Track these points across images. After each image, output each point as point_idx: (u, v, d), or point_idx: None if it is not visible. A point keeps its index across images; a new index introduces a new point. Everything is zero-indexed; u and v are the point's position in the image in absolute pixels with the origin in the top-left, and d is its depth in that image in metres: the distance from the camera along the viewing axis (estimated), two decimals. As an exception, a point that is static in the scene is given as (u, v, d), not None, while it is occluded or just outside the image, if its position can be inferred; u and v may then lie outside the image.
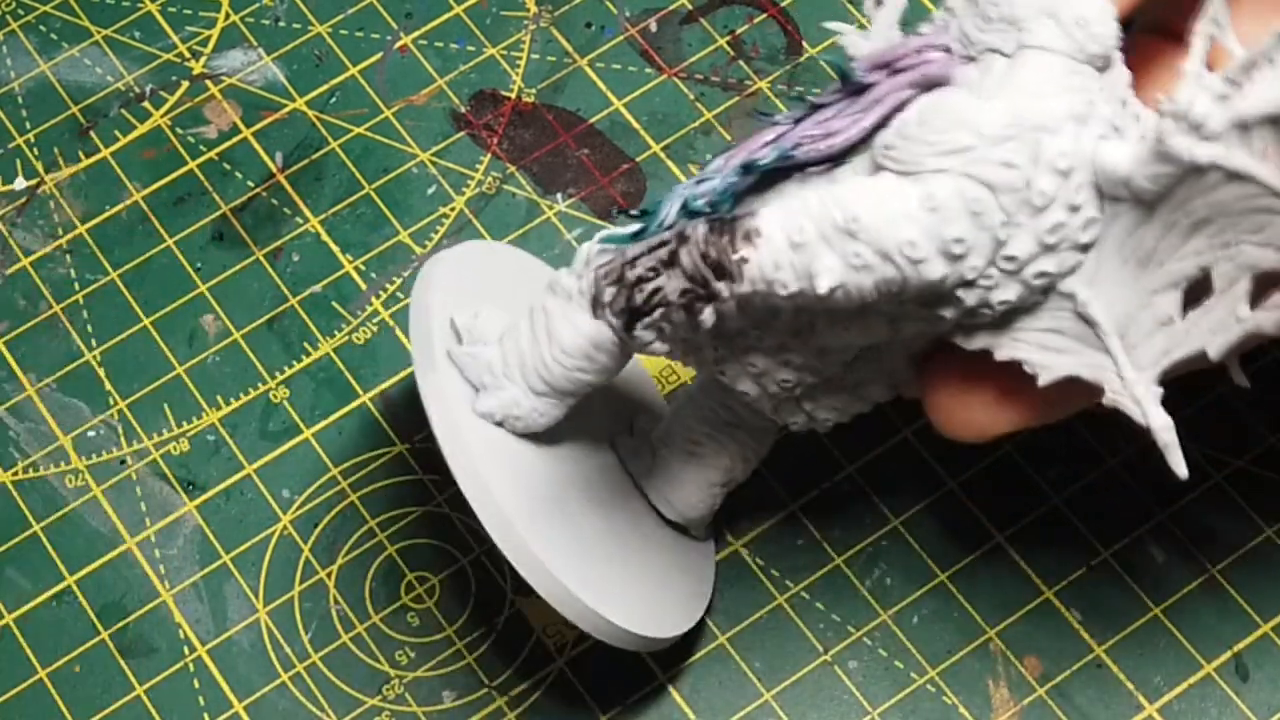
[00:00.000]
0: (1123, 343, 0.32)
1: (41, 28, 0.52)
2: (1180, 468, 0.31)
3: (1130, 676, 0.42)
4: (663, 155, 0.48)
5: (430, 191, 0.49)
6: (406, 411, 0.46)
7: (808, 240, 0.31)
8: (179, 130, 0.50)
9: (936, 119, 0.31)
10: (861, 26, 0.50)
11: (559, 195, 0.49)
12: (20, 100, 0.51)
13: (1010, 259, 0.31)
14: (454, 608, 0.43)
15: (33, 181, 0.50)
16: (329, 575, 0.44)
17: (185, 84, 0.51)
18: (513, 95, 0.50)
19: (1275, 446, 0.44)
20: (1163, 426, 0.31)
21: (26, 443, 0.46)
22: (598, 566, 0.38)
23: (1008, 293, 0.32)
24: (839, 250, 0.31)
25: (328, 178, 0.49)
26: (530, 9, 0.51)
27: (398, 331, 0.47)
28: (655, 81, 0.50)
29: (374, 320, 0.47)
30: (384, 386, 0.46)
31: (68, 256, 0.49)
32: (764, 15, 0.51)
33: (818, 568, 0.43)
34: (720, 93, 0.50)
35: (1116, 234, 0.32)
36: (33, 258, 0.49)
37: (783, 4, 0.51)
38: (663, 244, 0.32)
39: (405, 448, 0.45)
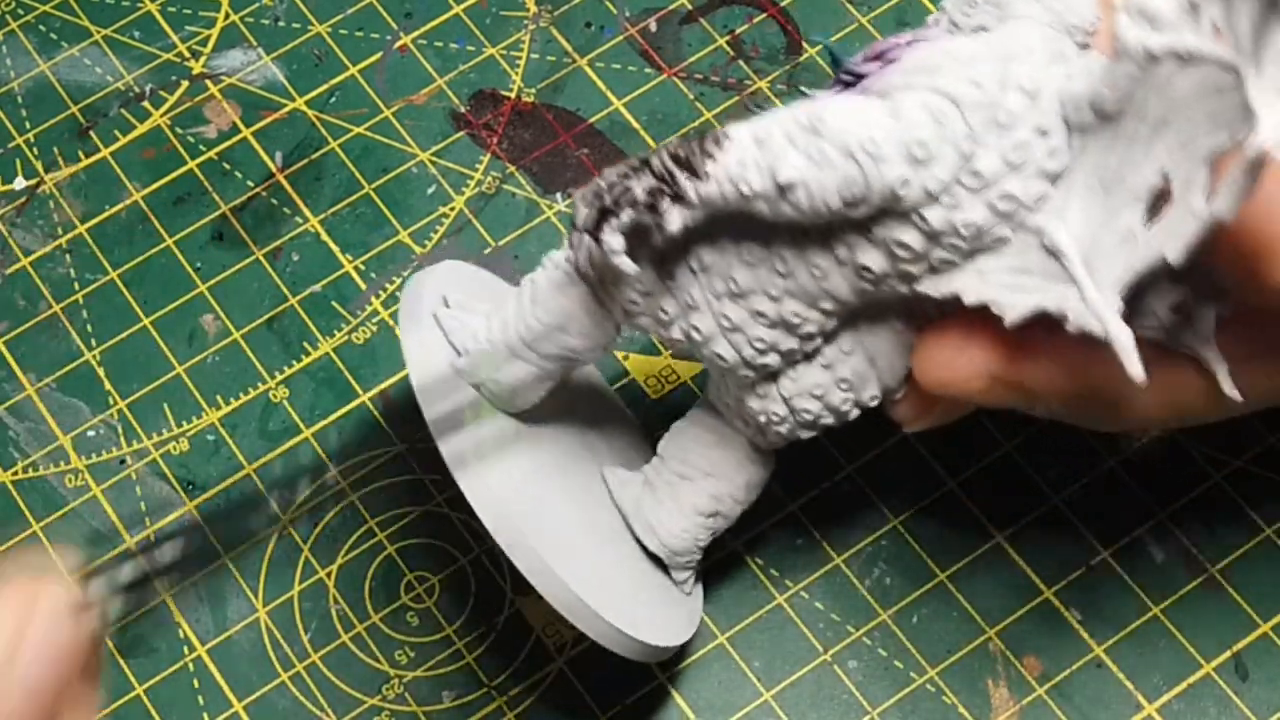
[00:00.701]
0: (1087, 268, 0.32)
1: (41, 27, 0.52)
2: (1137, 372, 0.30)
3: (1130, 676, 0.42)
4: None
5: (430, 191, 0.49)
6: (406, 411, 0.46)
7: (773, 138, 0.32)
8: (179, 130, 0.50)
9: (913, 54, 0.33)
10: (860, 26, 0.50)
11: (559, 195, 0.49)
12: (20, 100, 0.51)
13: (976, 174, 0.32)
14: (454, 608, 0.43)
15: (32, 181, 0.50)
16: (329, 575, 0.44)
17: (185, 84, 0.51)
18: (512, 95, 0.50)
19: (1275, 446, 0.44)
20: (1121, 334, 0.31)
21: (26, 442, 0.46)
22: (589, 570, 0.38)
23: (973, 213, 0.32)
24: (802, 147, 0.32)
25: (327, 177, 0.49)
26: (530, 9, 0.51)
27: (398, 331, 0.47)
28: (655, 81, 0.50)
29: (374, 320, 0.47)
30: (384, 386, 0.46)
31: (67, 256, 0.49)
32: (764, 15, 0.51)
33: (817, 567, 0.43)
34: (720, 92, 0.50)
35: (1085, 166, 0.32)
36: (32, 257, 0.49)
37: (783, 4, 0.51)
38: (633, 160, 0.33)
39: (405, 448, 0.45)
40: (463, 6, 0.52)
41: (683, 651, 0.42)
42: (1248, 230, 0.31)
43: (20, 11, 0.53)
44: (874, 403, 0.37)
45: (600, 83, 0.50)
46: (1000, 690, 0.42)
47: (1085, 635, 0.42)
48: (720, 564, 0.43)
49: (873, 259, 0.33)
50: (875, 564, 0.43)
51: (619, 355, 0.46)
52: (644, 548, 0.40)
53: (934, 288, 0.33)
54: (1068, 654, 0.42)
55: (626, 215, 0.33)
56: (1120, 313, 0.31)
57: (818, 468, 0.44)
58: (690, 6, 0.51)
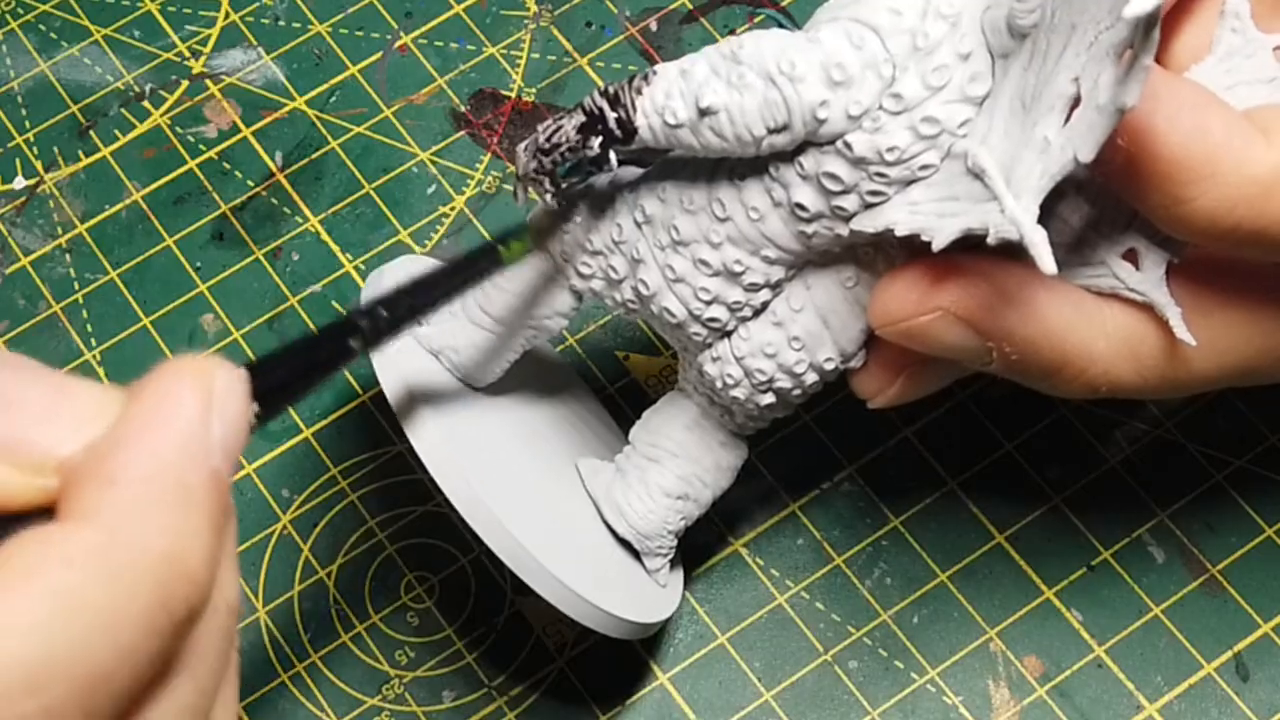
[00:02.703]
0: (1008, 183, 0.32)
1: (41, 27, 0.52)
2: (1048, 265, 0.30)
3: (1130, 676, 0.42)
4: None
5: (430, 191, 0.49)
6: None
7: (696, 68, 0.33)
8: (179, 129, 0.50)
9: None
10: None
11: (559, 195, 0.49)
12: (20, 99, 0.51)
13: (897, 97, 0.32)
14: (454, 607, 0.43)
15: (32, 181, 0.50)
16: (329, 575, 0.44)
17: (185, 83, 0.51)
18: (513, 94, 0.50)
19: (1275, 446, 0.44)
20: (1033, 232, 0.30)
21: (26, 442, 0.46)
22: (562, 549, 0.37)
23: (896, 136, 0.32)
24: (724, 74, 0.33)
25: (327, 177, 0.49)
26: (530, 8, 0.51)
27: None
28: (655, 81, 0.50)
29: (374, 320, 0.47)
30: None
31: (67, 256, 0.49)
32: (764, 14, 0.51)
33: (818, 568, 0.43)
34: (720, 92, 0.50)
35: (1006, 90, 0.32)
36: (32, 257, 0.49)
37: (783, 3, 0.51)
38: (573, 107, 0.34)
39: (405, 448, 0.45)
40: (463, 6, 0.52)
41: (683, 652, 0.42)
42: (1160, 154, 0.31)
43: (20, 11, 0.53)
44: (830, 366, 0.37)
45: (601, 82, 0.50)
46: (1001, 690, 0.42)
47: (1086, 635, 0.42)
48: (720, 564, 0.43)
49: (806, 195, 0.34)
50: (876, 564, 0.43)
51: (619, 355, 0.46)
52: (616, 536, 0.40)
53: (868, 223, 0.33)
54: (1068, 654, 0.42)
55: (560, 155, 0.34)
56: (1035, 217, 0.30)
57: (818, 468, 0.44)
58: (690, 6, 0.51)
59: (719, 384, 0.37)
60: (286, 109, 0.50)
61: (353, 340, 0.31)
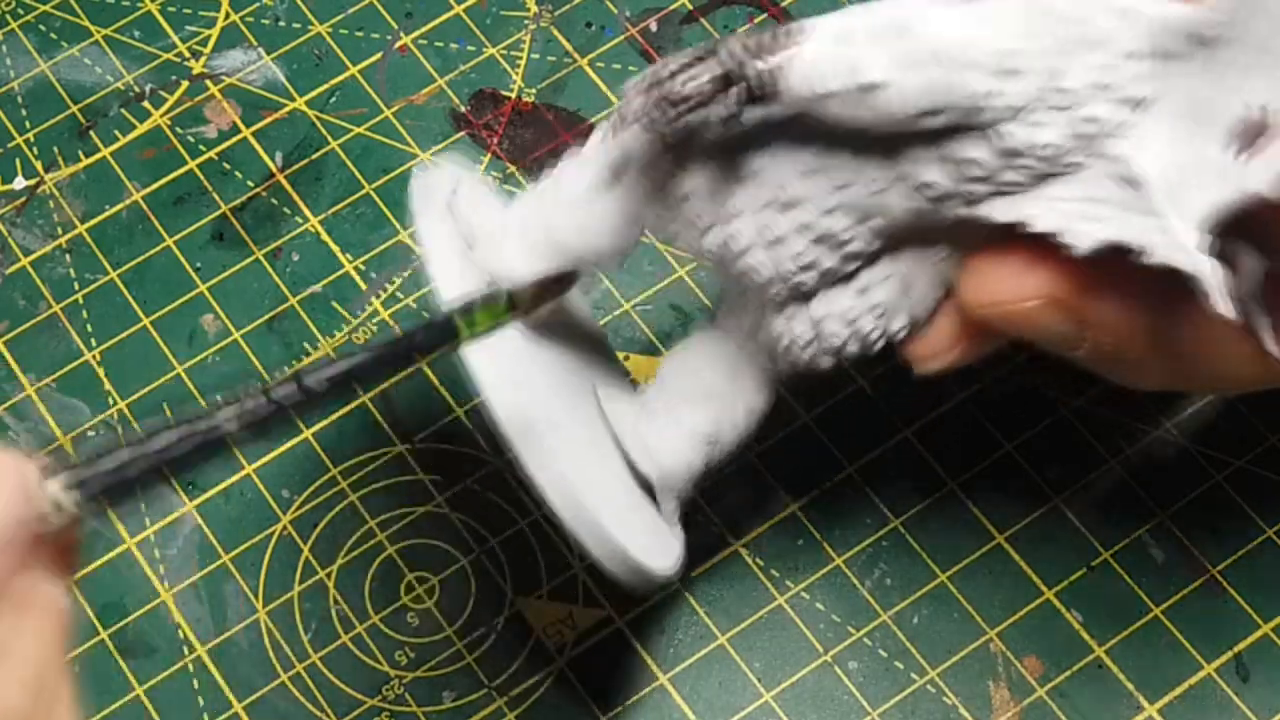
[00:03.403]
0: (1169, 200, 0.30)
1: (41, 27, 0.52)
2: (1227, 309, 0.28)
3: (1130, 677, 0.42)
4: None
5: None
6: (406, 412, 0.46)
7: (855, 34, 0.30)
8: (179, 130, 0.50)
9: None
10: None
11: (559, 195, 0.49)
12: (20, 100, 0.51)
13: (1061, 92, 0.30)
14: (454, 608, 0.43)
15: (32, 181, 0.50)
16: (329, 575, 0.44)
17: (185, 84, 0.51)
18: (513, 95, 0.50)
19: (1275, 446, 0.44)
20: (1205, 269, 0.29)
21: (26, 443, 0.46)
22: (594, 483, 0.35)
23: (1052, 134, 0.31)
24: (887, 47, 0.30)
25: (327, 177, 0.49)
26: (530, 9, 0.51)
27: (398, 332, 0.47)
28: (655, 81, 0.50)
29: (374, 320, 0.47)
30: (384, 386, 0.46)
31: (67, 256, 0.49)
32: (764, 15, 0.51)
33: (818, 568, 0.43)
34: (720, 92, 0.50)
35: (1171, 95, 0.30)
36: (32, 257, 0.49)
37: (783, 4, 0.51)
38: (699, 49, 0.31)
39: (405, 448, 0.45)
40: (463, 6, 0.52)
41: (683, 652, 0.42)
42: None
43: (20, 11, 0.53)
44: (901, 334, 0.35)
45: (601, 83, 0.50)
46: (1001, 691, 0.42)
47: (1086, 636, 0.42)
48: (720, 564, 0.43)
49: (936, 175, 0.32)
50: (876, 564, 0.43)
51: (619, 355, 0.46)
52: (634, 472, 0.38)
53: (999, 212, 0.32)
54: (1069, 655, 0.42)
55: (686, 108, 0.31)
56: (1206, 248, 0.29)
57: (818, 468, 0.44)
58: (691, 6, 0.51)
59: (785, 342, 0.36)
60: (287, 109, 0.50)
61: (283, 396, 0.29)
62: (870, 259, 0.34)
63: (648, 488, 0.38)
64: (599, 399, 0.39)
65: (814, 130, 0.32)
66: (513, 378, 0.34)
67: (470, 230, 0.36)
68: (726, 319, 0.38)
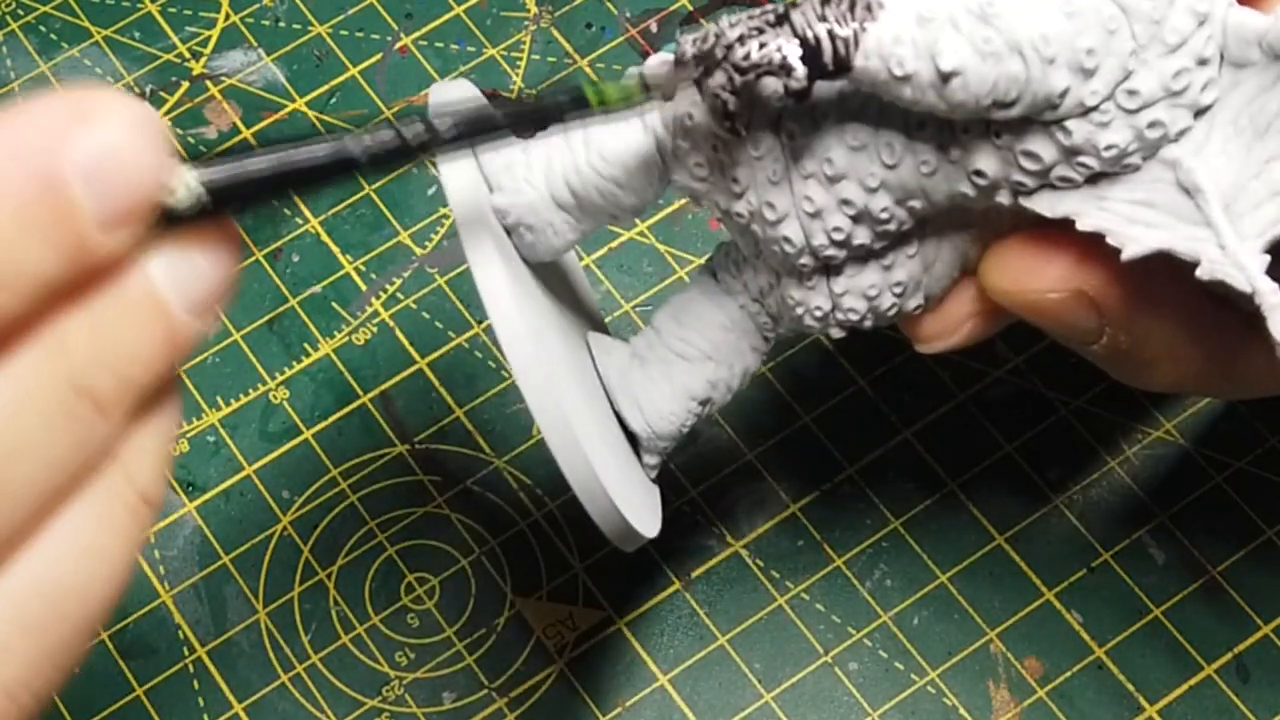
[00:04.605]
0: (1227, 214, 0.29)
1: (41, 28, 0.52)
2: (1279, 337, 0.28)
3: (1130, 677, 0.42)
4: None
5: (430, 192, 0.49)
6: (406, 412, 0.46)
7: (936, 16, 0.29)
8: (179, 130, 0.50)
9: None
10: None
11: (559, 196, 0.49)
12: (20, 100, 0.51)
13: (1132, 94, 0.30)
14: (454, 609, 0.43)
15: (33, 182, 0.50)
16: (329, 576, 0.44)
17: (185, 84, 0.51)
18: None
19: (1275, 447, 0.44)
20: (1270, 290, 0.28)
21: (26, 443, 0.46)
22: (590, 432, 0.34)
23: (1117, 134, 0.30)
24: (968, 33, 0.29)
25: (328, 178, 0.49)
26: (530, 9, 0.51)
27: (398, 332, 0.47)
28: (655, 82, 0.50)
29: (374, 321, 0.47)
30: (384, 387, 0.46)
31: (68, 257, 0.49)
32: (764, 16, 0.51)
33: (818, 569, 0.43)
34: (720, 93, 0.50)
35: (1234, 103, 0.30)
36: (33, 258, 0.49)
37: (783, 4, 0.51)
38: (767, 11, 0.30)
39: (405, 448, 0.45)
40: (463, 7, 0.52)
41: (683, 652, 0.42)
42: None
43: (20, 12, 0.53)
44: (916, 312, 0.35)
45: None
46: (1001, 692, 0.42)
47: (1086, 637, 0.42)
48: (720, 564, 0.43)
49: (990, 164, 0.31)
50: (876, 565, 0.43)
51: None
52: (622, 425, 0.37)
53: (1046, 206, 0.31)
54: (1069, 655, 0.42)
55: (753, 77, 0.29)
56: (1264, 265, 0.28)
57: (818, 469, 0.44)
58: (691, 7, 0.51)
59: (799, 311, 0.35)
60: (287, 110, 0.50)
61: (410, 134, 0.28)
62: (901, 238, 0.33)
63: (633, 439, 0.38)
64: (591, 349, 0.38)
65: (870, 104, 0.31)
66: (532, 328, 0.33)
67: (495, 169, 0.35)
68: (732, 277, 0.37)
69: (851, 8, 0.29)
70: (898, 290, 0.34)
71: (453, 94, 0.35)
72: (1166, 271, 0.30)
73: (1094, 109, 0.30)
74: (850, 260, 0.34)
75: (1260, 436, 0.44)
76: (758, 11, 0.30)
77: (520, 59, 0.51)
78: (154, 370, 0.24)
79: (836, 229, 0.33)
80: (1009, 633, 0.42)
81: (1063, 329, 0.33)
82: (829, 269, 0.34)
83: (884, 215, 0.32)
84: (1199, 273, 0.28)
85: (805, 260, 0.33)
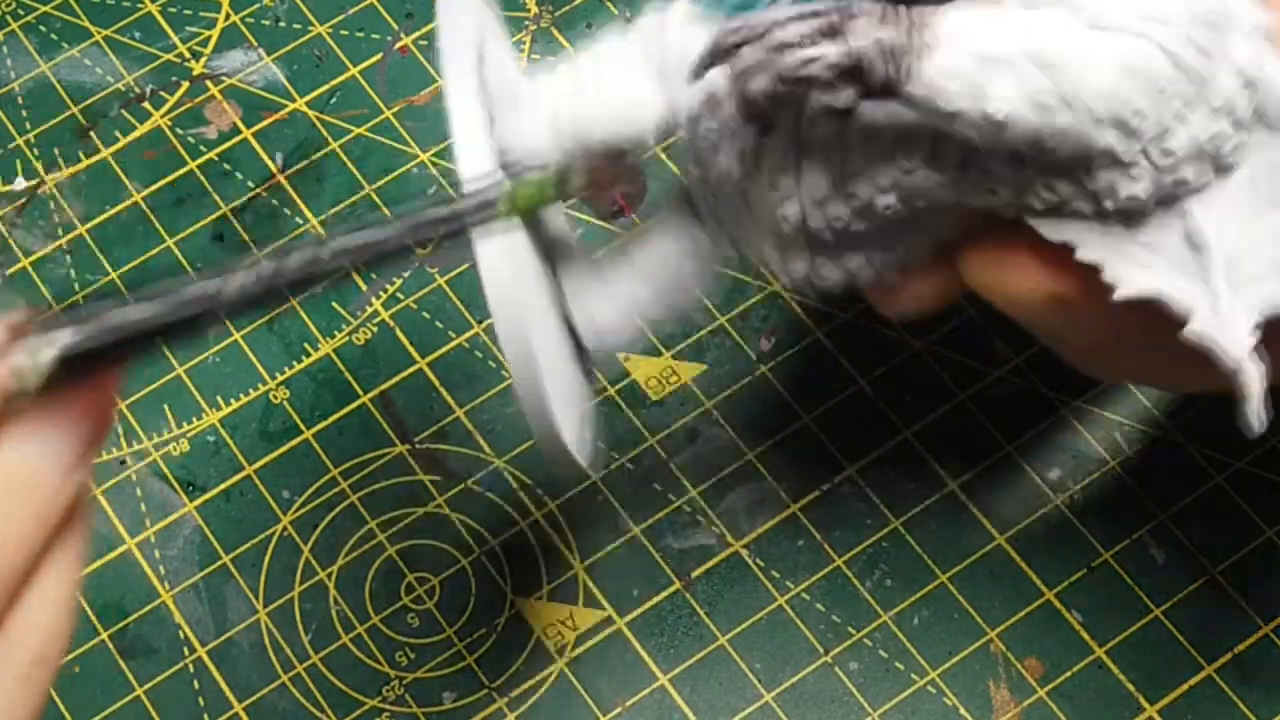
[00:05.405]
0: (1228, 276, 0.29)
1: (41, 28, 0.52)
2: (1253, 419, 0.28)
3: (1130, 677, 0.42)
4: (663, 155, 0.48)
5: (430, 192, 0.49)
6: (406, 412, 0.46)
7: (994, 57, 0.28)
8: (179, 130, 0.50)
9: None
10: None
11: (559, 196, 0.49)
12: (20, 100, 0.51)
13: (1167, 153, 0.29)
14: (454, 609, 0.43)
15: (33, 182, 0.50)
16: (329, 576, 0.44)
17: (185, 84, 0.51)
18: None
19: (1275, 447, 0.44)
20: (1252, 373, 0.28)
21: (26, 443, 0.46)
22: (548, 362, 0.34)
23: (1141, 186, 0.30)
24: (1023, 79, 0.28)
25: (328, 178, 0.49)
26: (531, 9, 0.51)
27: (398, 332, 0.47)
28: (655, 82, 0.50)
29: (374, 320, 0.47)
30: (384, 387, 0.46)
31: (68, 256, 0.49)
32: (764, 16, 0.51)
33: (818, 569, 0.43)
34: (720, 93, 0.50)
35: (1254, 165, 0.30)
36: (33, 258, 0.49)
37: (783, 4, 0.51)
38: (820, 15, 0.29)
39: (405, 448, 0.45)
40: (463, 7, 0.52)
41: (683, 652, 0.42)
42: None
43: (21, 12, 0.53)
44: (890, 282, 0.35)
45: (601, 83, 0.50)
46: (1001, 692, 0.42)
47: (1086, 637, 0.42)
48: (721, 565, 0.43)
49: (1007, 188, 0.31)
50: (876, 565, 0.43)
51: (619, 356, 0.46)
52: (573, 336, 0.37)
53: (1050, 229, 0.31)
54: (1069, 655, 0.42)
55: (798, 89, 0.29)
56: (1250, 344, 0.28)
57: (818, 469, 0.44)
58: (691, 7, 0.51)
59: (776, 268, 0.35)
60: (287, 110, 0.50)
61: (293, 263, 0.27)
62: (891, 224, 0.33)
63: (581, 351, 0.37)
64: (556, 268, 0.37)
65: (898, 117, 0.31)
66: (509, 249, 0.32)
67: (489, 91, 0.34)
68: (713, 220, 0.36)
69: (910, 32, 0.28)
70: (877, 266, 0.34)
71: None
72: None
73: (1127, 163, 0.29)
74: (842, 243, 0.33)
75: (1260, 436, 0.44)
76: (809, 9, 0.29)
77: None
78: (28, 544, 0.26)
79: (838, 218, 0.32)
80: (1009, 633, 0.42)
81: (1032, 324, 0.33)
82: (818, 246, 0.34)
83: (886, 211, 0.32)
84: (1185, 332, 0.28)
85: (795, 234, 0.33)
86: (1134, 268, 0.30)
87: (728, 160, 0.33)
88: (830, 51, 0.28)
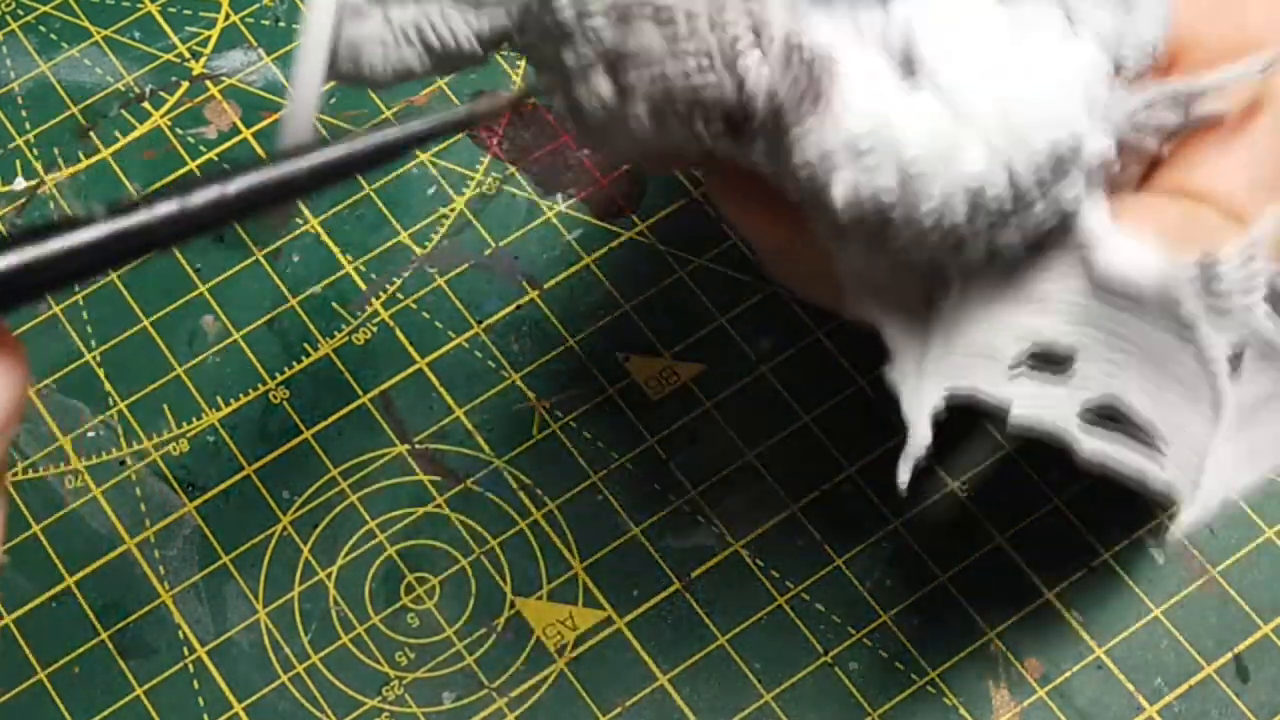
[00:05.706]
0: (945, 337, 0.32)
1: (41, 28, 0.52)
2: (902, 478, 0.31)
3: (1130, 677, 0.42)
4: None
5: (430, 192, 0.49)
6: (406, 412, 0.46)
7: (859, 147, 0.29)
8: (179, 131, 0.50)
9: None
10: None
11: (559, 195, 0.49)
12: (20, 100, 0.51)
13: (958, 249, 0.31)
14: (454, 608, 0.43)
15: (33, 182, 0.50)
16: (329, 576, 0.44)
17: (185, 84, 0.51)
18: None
19: (1275, 447, 0.44)
20: (918, 436, 0.32)
21: (26, 443, 0.46)
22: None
23: (1014, 235, 0.32)
24: (874, 175, 0.30)
25: (328, 178, 0.49)
26: (530, 9, 0.51)
27: (398, 332, 0.47)
28: (655, 82, 0.50)
29: (374, 321, 0.47)
30: (384, 386, 0.46)
31: (67, 257, 0.49)
32: (764, 16, 0.51)
33: (818, 568, 0.43)
34: (720, 93, 0.50)
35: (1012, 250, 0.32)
36: (32, 258, 0.49)
37: (783, 5, 0.51)
38: (727, 30, 0.28)
39: (405, 448, 0.45)
40: (463, 7, 0.52)
41: (683, 652, 0.42)
42: None
43: (20, 12, 0.53)
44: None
45: (600, 83, 0.50)
46: (1001, 692, 0.42)
47: (1086, 636, 0.42)
48: (720, 565, 0.43)
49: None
50: (876, 565, 0.43)
51: (619, 356, 0.46)
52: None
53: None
54: (1069, 655, 0.42)
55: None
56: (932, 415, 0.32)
57: (818, 469, 0.44)
58: (690, 7, 0.51)
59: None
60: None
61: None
62: None
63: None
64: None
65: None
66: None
67: None
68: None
69: (803, 94, 0.29)
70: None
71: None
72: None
73: (950, 228, 0.31)
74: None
75: (1260, 436, 0.44)
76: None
77: (520, 59, 0.51)
78: None
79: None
80: (1009, 632, 0.42)
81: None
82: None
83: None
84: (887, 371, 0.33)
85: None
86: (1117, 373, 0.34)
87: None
88: (724, 87, 0.29)
